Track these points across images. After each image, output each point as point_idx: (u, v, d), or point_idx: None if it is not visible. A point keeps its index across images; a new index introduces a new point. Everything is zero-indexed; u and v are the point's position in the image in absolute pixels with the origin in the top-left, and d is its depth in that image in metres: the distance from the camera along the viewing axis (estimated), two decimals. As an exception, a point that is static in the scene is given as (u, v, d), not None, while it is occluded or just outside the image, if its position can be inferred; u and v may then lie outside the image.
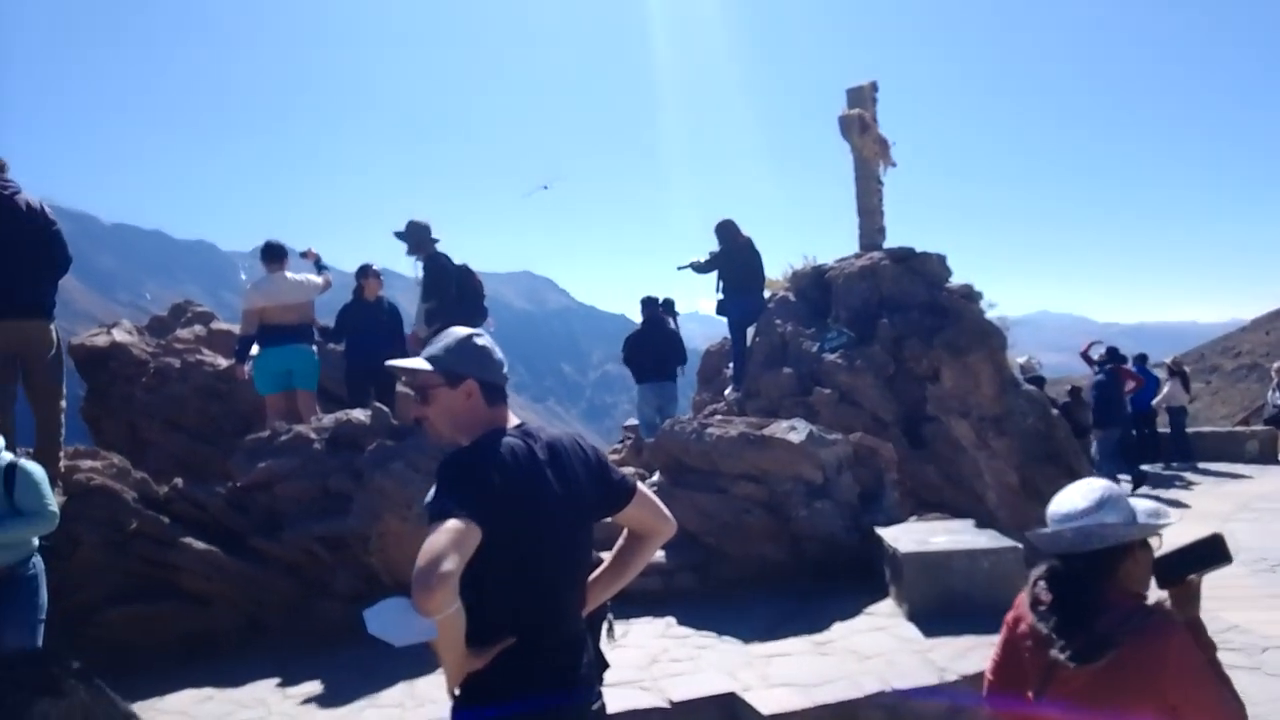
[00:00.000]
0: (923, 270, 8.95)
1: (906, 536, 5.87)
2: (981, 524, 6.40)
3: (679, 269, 9.50)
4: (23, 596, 4.22)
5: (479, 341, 2.39)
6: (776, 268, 10.31)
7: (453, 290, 7.85)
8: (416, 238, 7.98)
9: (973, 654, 4.61)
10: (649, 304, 9.90)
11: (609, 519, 2.56)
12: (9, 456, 4.31)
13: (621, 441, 12.55)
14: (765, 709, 4.20)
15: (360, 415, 6.92)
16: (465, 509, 1.99)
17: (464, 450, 2.29)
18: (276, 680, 5.32)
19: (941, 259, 9.16)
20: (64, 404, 6.23)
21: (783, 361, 8.62)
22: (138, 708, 4.95)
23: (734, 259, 9.17)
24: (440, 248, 8.00)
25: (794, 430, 6.59)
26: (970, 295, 8.79)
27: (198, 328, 9.73)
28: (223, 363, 8.67)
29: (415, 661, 5.32)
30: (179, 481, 6.44)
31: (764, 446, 6.47)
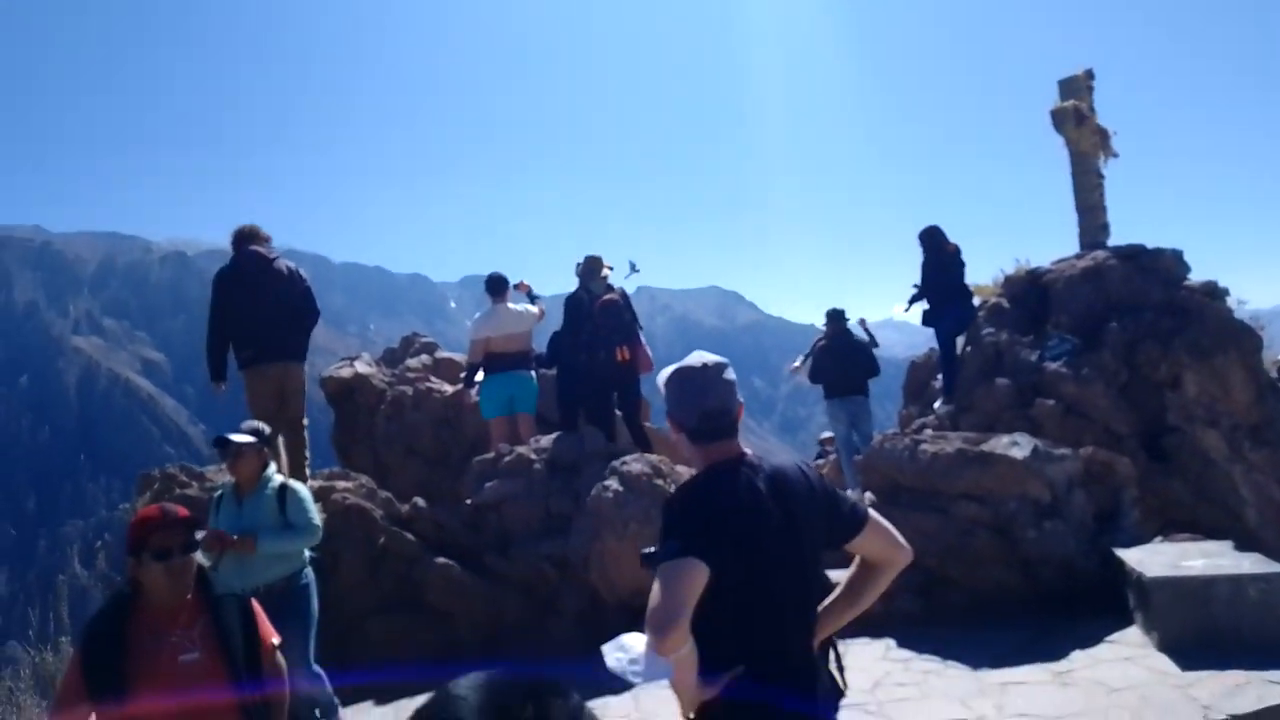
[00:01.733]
0: (1155, 268, 8.20)
1: (1154, 559, 5.40)
2: (1242, 546, 5.76)
3: (906, 310, 9.24)
4: (299, 605, 4.76)
5: (678, 379, 2.46)
6: (985, 273, 9.82)
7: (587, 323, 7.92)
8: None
9: (1244, 692, 4.17)
10: (835, 317, 9.73)
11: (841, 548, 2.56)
12: (280, 478, 4.93)
13: (821, 456, 12.35)
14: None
15: (575, 437, 7.27)
16: (692, 550, 2.08)
17: (685, 488, 2.38)
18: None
19: (1177, 254, 8.36)
20: (306, 433, 7.06)
21: (998, 372, 8.18)
22: (398, 710, 5.49)
23: (941, 267, 8.83)
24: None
25: (1016, 446, 6.24)
26: (1214, 292, 7.96)
27: (425, 357, 10.59)
28: (449, 390, 9.41)
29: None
30: (419, 501, 7.04)
31: (985, 464, 6.17)
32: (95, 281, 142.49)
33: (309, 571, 4.91)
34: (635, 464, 6.63)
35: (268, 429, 5.03)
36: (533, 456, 7.08)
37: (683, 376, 2.45)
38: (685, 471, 6.93)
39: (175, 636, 3.34)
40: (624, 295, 7.87)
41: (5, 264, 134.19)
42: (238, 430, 4.79)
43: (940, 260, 8.91)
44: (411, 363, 10.35)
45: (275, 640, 3.67)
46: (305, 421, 7.09)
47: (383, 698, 5.60)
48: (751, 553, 2.21)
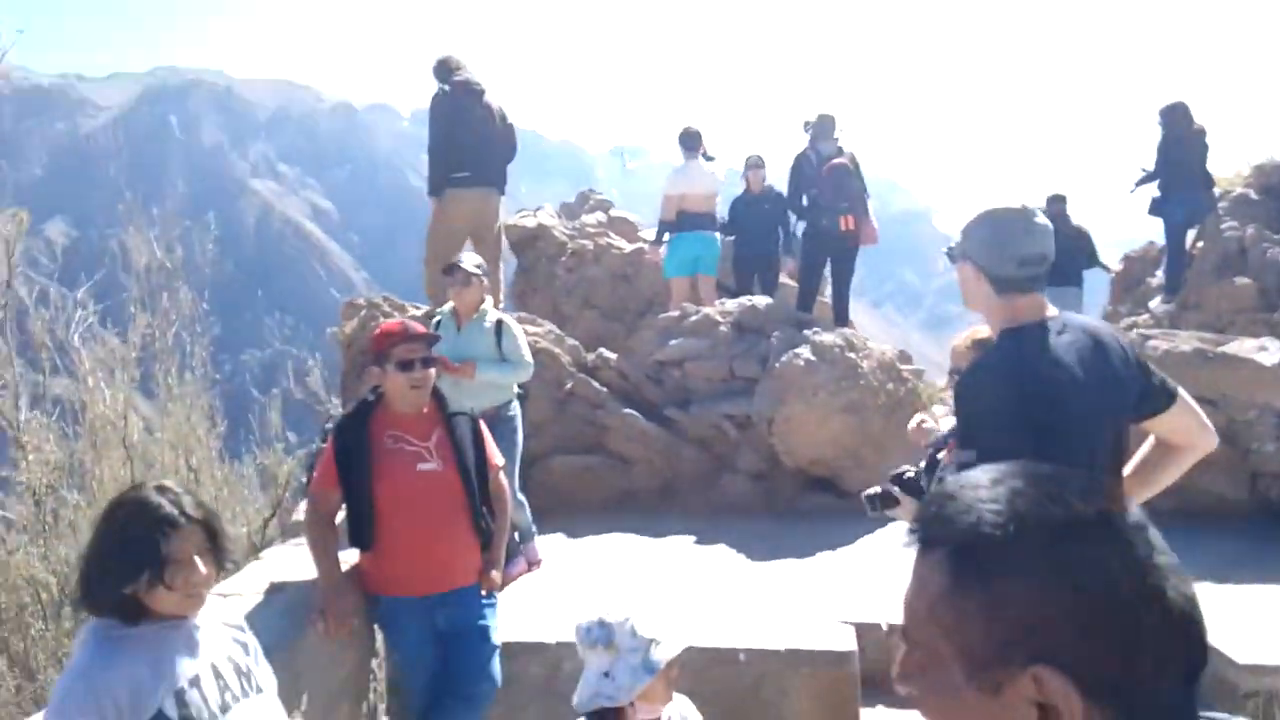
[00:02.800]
0: None
1: None
2: None
3: (1132, 192, 8.34)
4: (507, 435, 4.94)
5: (991, 221, 2.22)
6: (1227, 164, 8.74)
7: None
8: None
9: None
10: (1056, 201, 8.93)
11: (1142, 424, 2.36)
12: (496, 313, 5.04)
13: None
14: (1241, 658, 3.73)
15: (762, 302, 7.11)
16: (988, 432, 1.96)
17: (989, 365, 2.20)
18: (693, 538, 5.81)
19: None
20: (501, 276, 7.21)
21: (1238, 270, 7.36)
22: (581, 544, 5.72)
23: (1182, 150, 7.88)
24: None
25: (1264, 351, 5.62)
26: None
27: (599, 215, 10.58)
28: (627, 247, 9.38)
29: (827, 534, 5.51)
30: (603, 351, 7.12)
31: (1225, 366, 5.61)
32: (271, 127, 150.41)
33: (516, 404, 5.07)
34: (828, 334, 6.45)
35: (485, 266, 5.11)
36: (718, 318, 6.99)
37: (999, 218, 2.22)
38: (878, 347, 6.68)
39: (413, 445, 3.50)
40: (854, 160, 7.46)
41: (195, 107, 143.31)
42: (454, 263, 4.89)
43: (1180, 141, 7.95)
44: (587, 219, 10.36)
45: (500, 461, 3.81)
46: (501, 264, 7.29)
47: (572, 532, 5.83)
48: (1055, 412, 2.03)
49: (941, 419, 3.71)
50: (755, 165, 8.23)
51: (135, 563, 1.86)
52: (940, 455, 3.08)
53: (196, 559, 1.93)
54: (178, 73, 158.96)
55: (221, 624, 2.12)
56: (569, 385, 6.74)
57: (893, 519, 2.65)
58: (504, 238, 9.26)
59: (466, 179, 6.73)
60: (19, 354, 6.52)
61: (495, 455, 3.75)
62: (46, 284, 8.16)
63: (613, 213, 10.75)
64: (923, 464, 2.92)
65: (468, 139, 6.66)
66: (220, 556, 2.01)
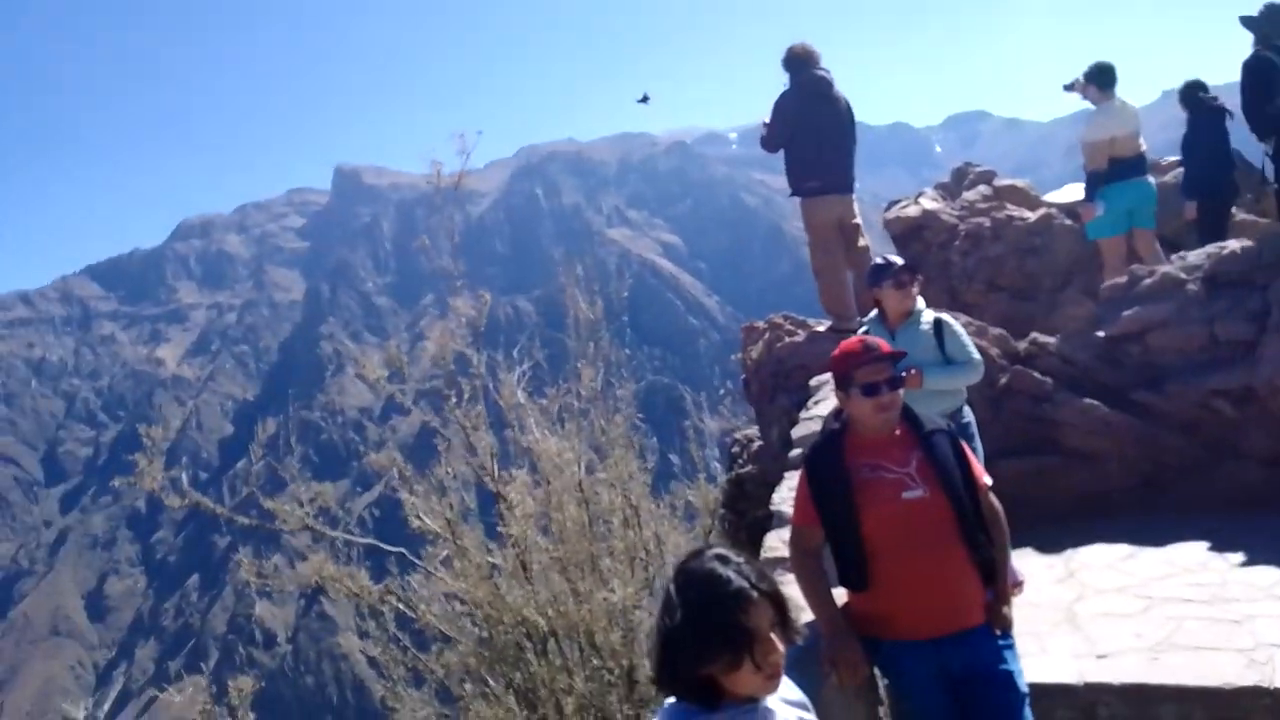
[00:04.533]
0: None
1: None
2: None
3: None
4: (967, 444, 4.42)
5: None
6: None
7: None
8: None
9: None
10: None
11: None
12: (932, 311, 4.56)
13: None
14: None
15: (1239, 246, 5.79)
16: None
17: None
18: (1204, 544, 4.78)
19: None
20: None
21: None
22: (1061, 559, 4.98)
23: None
24: None
25: None
26: None
27: (983, 188, 9.58)
28: (1030, 215, 8.35)
29: None
30: (1037, 336, 6.28)
31: None
32: (618, 178, 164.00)
33: (968, 409, 4.54)
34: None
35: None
36: (1183, 275, 5.81)
37: None
38: None
39: (892, 472, 3.14)
40: None
41: (553, 174, 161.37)
42: (884, 262, 4.51)
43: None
44: (970, 195, 9.43)
45: (988, 480, 3.32)
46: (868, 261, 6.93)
47: (1042, 545, 5.11)
48: None
49: None
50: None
51: (717, 642, 1.71)
52: None
53: (772, 635, 1.74)
54: (537, 149, 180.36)
55: (783, 701, 1.92)
56: (1003, 379, 6.01)
57: None
58: (886, 232, 8.80)
59: (817, 188, 6.59)
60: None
61: (982, 474, 3.28)
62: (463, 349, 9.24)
63: (998, 183, 9.71)
64: None
65: (814, 143, 6.50)
66: (789, 630, 1.80)
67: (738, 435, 8.13)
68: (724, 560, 1.80)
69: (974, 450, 4.40)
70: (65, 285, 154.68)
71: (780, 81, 6.69)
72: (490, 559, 6.36)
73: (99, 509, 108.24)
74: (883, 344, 3.31)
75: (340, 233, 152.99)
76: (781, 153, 6.75)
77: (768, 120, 6.59)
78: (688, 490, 7.49)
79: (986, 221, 8.39)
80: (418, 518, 6.21)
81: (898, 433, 3.21)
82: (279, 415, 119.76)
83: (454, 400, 6.73)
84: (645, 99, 8.98)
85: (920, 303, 4.54)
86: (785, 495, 4.17)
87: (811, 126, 6.42)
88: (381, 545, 6.56)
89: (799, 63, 6.54)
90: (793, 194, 6.68)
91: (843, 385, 3.24)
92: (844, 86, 6.77)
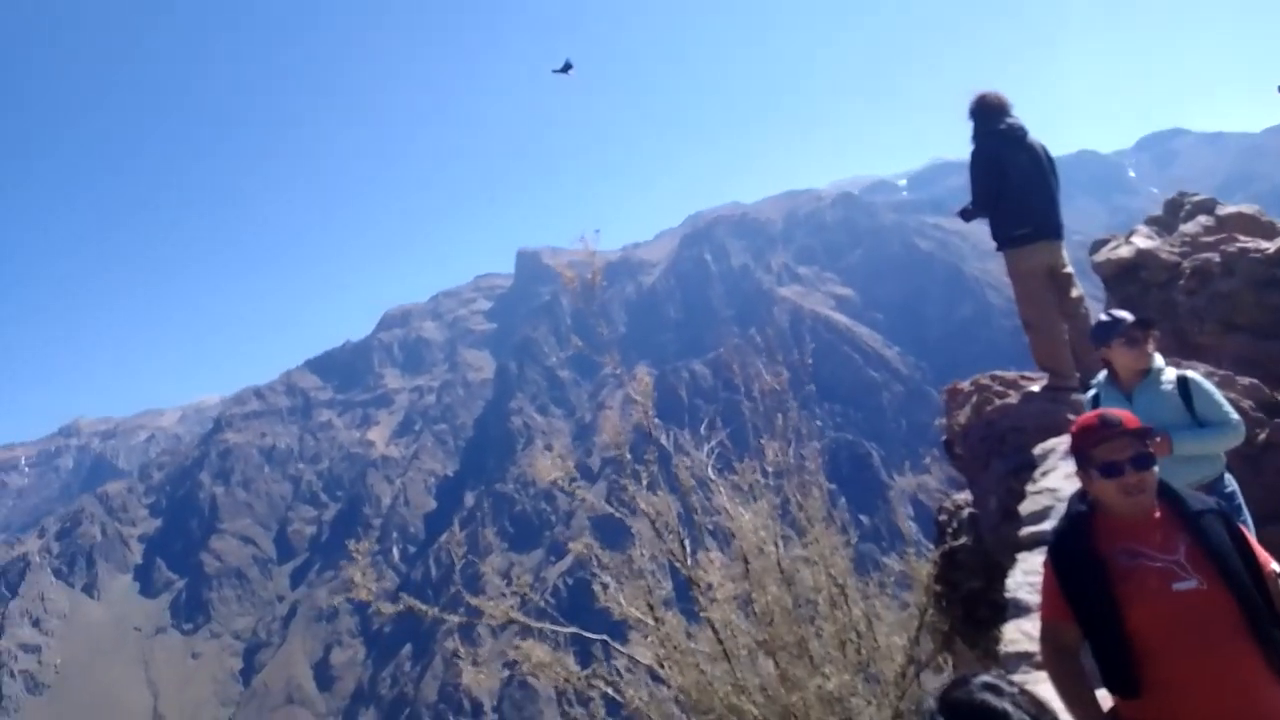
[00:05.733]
0: None
1: None
2: None
3: None
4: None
5: None
6: None
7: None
8: None
9: None
10: None
11: None
12: (1174, 369, 4.08)
13: None
14: None
15: None
16: None
17: None
18: None
19: None
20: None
21: None
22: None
23: None
24: None
25: None
26: None
27: (1203, 219, 8.68)
28: (1268, 246, 7.44)
29: None
30: (1298, 383, 5.51)
31: None
32: (785, 236, 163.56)
33: (1230, 477, 4.00)
34: None
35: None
36: None
37: None
38: None
39: (1157, 559, 2.76)
40: None
41: (721, 237, 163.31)
42: (1111, 318, 4.11)
43: None
44: (1188, 228, 8.56)
45: (1275, 566, 2.86)
46: (1083, 310, 6.49)
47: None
48: None
49: None
50: None
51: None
52: None
53: None
54: (703, 215, 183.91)
55: None
56: (1261, 434, 5.29)
57: None
58: (1096, 275, 8.19)
59: (1027, 235, 6.27)
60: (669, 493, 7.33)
61: (1269, 560, 2.84)
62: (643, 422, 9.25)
63: (1221, 211, 8.77)
64: None
65: (1019, 190, 6.22)
66: None
67: (946, 503, 7.63)
68: (996, 691, 1.61)
69: (1245, 526, 3.87)
70: (289, 378, 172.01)
71: (965, 129, 6.43)
72: (692, 643, 6.24)
73: (323, 583, 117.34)
74: (1126, 416, 2.97)
75: (524, 312, 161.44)
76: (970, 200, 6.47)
77: (969, 183, 6.36)
78: (895, 563, 7.08)
79: (1216, 256, 7.55)
80: (618, 604, 6.21)
81: (1156, 514, 2.85)
82: (476, 489, 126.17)
83: (637, 485, 6.75)
84: (567, 67, 8.63)
85: (1158, 360, 4.09)
86: (1021, 580, 3.80)
87: (1015, 173, 6.14)
88: (585, 634, 6.58)
89: (991, 112, 6.26)
90: (999, 247, 6.33)
91: (1082, 464, 2.93)
92: (1021, 118, 6.47)
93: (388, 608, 6.36)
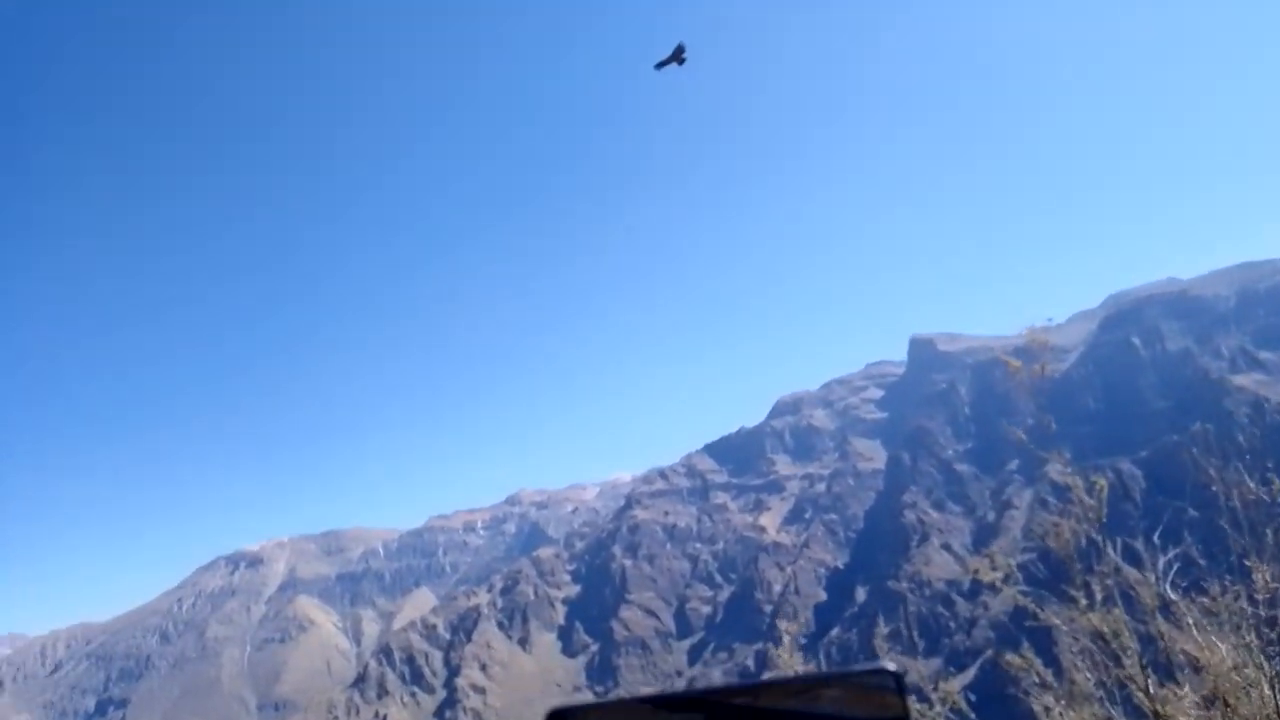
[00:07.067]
0: None
1: None
2: None
3: None
4: None
5: None
6: None
7: None
8: None
9: None
10: None
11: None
12: None
13: None
14: None
15: None
16: None
17: None
18: None
19: None
20: None
21: None
22: None
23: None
24: None
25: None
26: None
27: None
28: None
29: None
30: None
31: None
32: (1238, 316, 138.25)
33: None
34: None
35: None
36: None
37: None
38: None
39: None
40: None
41: (1151, 319, 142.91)
42: None
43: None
44: None
45: None
46: None
47: None
48: None
49: None
50: None
51: None
52: None
53: None
54: (1128, 295, 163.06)
55: None
56: None
57: None
58: None
59: None
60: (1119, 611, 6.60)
61: None
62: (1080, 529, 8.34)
63: None
64: None
65: None
66: None
67: None
68: None
69: None
70: (690, 461, 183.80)
71: None
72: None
73: (718, 662, 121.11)
74: None
75: (917, 400, 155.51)
76: None
77: None
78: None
79: None
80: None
81: None
82: (867, 584, 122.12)
83: (1089, 598, 6.22)
84: (680, 57, 6.69)
85: None
86: None
87: None
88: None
89: None
90: None
91: None
92: None
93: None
